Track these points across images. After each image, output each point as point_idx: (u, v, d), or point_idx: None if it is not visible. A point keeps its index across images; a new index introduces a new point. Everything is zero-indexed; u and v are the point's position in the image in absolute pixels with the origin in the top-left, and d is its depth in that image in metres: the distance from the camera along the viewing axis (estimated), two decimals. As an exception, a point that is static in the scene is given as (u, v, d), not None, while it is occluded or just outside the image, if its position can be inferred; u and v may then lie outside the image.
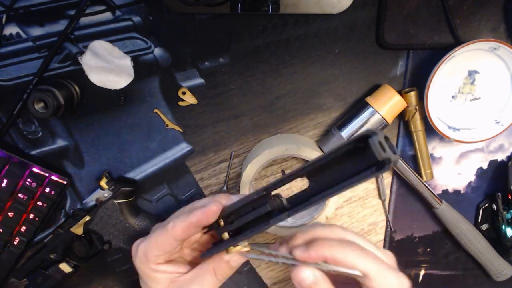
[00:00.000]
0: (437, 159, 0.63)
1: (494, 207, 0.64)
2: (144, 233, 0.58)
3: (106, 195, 0.58)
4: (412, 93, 0.58)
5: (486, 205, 0.65)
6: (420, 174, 0.62)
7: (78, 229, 0.58)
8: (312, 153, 0.55)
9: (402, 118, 0.61)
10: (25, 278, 0.58)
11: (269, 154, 0.55)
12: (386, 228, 0.66)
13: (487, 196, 0.65)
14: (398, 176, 0.64)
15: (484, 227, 0.65)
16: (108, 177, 0.59)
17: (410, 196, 0.65)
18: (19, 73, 0.56)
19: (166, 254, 0.41)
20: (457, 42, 0.57)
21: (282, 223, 0.59)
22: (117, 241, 0.59)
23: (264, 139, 0.61)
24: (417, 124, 0.59)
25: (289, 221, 0.60)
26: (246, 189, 0.57)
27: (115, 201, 0.57)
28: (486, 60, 0.58)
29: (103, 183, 0.58)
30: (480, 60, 0.58)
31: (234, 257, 0.40)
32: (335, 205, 0.57)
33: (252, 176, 0.56)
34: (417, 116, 0.59)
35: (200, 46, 0.58)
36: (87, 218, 0.57)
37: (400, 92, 0.59)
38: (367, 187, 0.64)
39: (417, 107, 0.58)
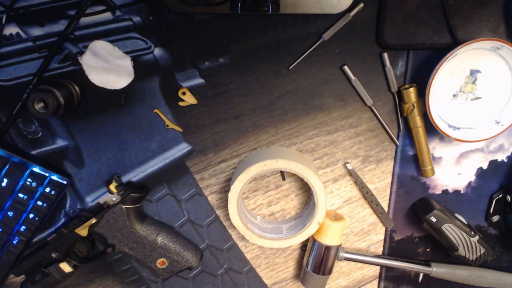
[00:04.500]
0: (437, 159, 0.63)
1: (508, 198, 0.63)
2: (148, 239, 0.58)
3: (114, 199, 0.58)
4: (411, 89, 0.58)
5: (500, 196, 0.64)
6: (420, 171, 0.62)
7: (83, 231, 0.58)
8: (291, 164, 0.55)
9: (402, 115, 0.61)
10: (23, 275, 0.58)
11: (248, 173, 0.55)
12: (386, 229, 0.66)
13: (501, 187, 0.65)
14: (398, 177, 0.64)
15: (495, 218, 0.65)
16: (118, 181, 0.59)
17: (410, 196, 0.65)
18: (19, 73, 0.56)
19: None
20: (456, 42, 0.57)
21: (277, 235, 0.59)
22: (121, 245, 0.59)
23: (245, 157, 0.61)
24: (416, 121, 0.59)
25: (284, 232, 0.60)
26: (234, 205, 0.57)
27: (123, 206, 0.57)
28: (488, 60, 0.57)
29: (112, 187, 0.58)
30: (482, 59, 0.58)
31: None
32: (324, 210, 0.57)
33: (238, 195, 0.57)
34: (415, 112, 0.59)
35: (200, 46, 0.58)
36: (93, 220, 0.57)
37: (399, 88, 0.60)
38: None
39: (415, 103, 0.58)
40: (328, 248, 0.60)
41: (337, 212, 0.64)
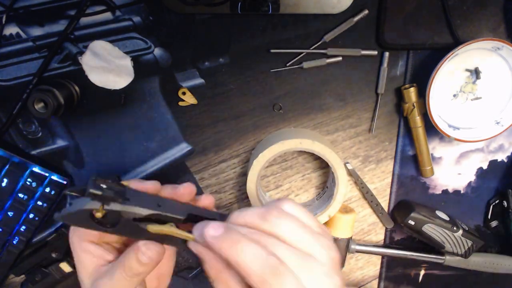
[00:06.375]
0: (437, 159, 0.63)
1: (505, 203, 0.63)
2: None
3: None
4: (411, 89, 0.58)
5: (497, 201, 0.64)
6: (420, 171, 0.62)
7: (82, 231, 0.58)
8: (325, 150, 0.55)
9: (401, 115, 0.61)
10: (23, 275, 0.58)
11: (282, 146, 0.54)
12: (386, 229, 0.66)
13: (498, 192, 0.65)
14: (398, 177, 0.64)
15: (494, 224, 0.65)
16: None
17: (410, 196, 0.65)
18: (19, 73, 0.56)
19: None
20: (456, 42, 0.57)
21: None
22: None
23: (276, 132, 0.61)
24: (416, 121, 0.59)
25: None
26: (256, 173, 0.56)
27: None
28: (489, 60, 0.57)
29: None
30: (483, 60, 0.58)
31: (145, 246, 0.34)
32: (339, 205, 0.57)
33: (263, 165, 0.55)
34: (415, 112, 0.59)
35: (200, 46, 0.58)
36: None
37: (399, 88, 0.60)
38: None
39: (415, 103, 0.58)
40: (339, 240, 0.60)
41: (346, 204, 0.64)
